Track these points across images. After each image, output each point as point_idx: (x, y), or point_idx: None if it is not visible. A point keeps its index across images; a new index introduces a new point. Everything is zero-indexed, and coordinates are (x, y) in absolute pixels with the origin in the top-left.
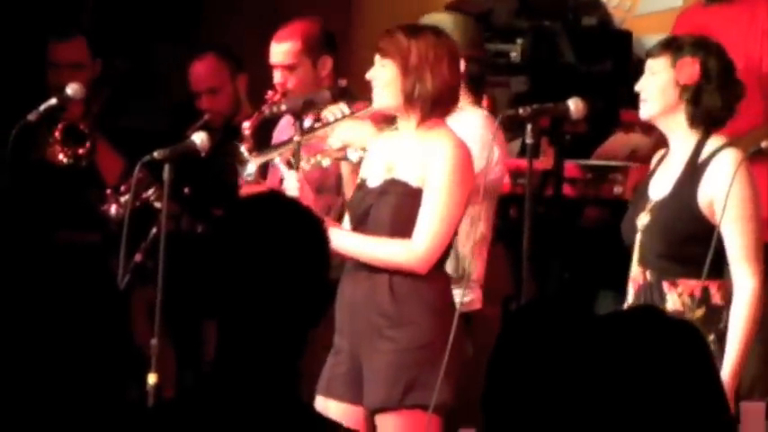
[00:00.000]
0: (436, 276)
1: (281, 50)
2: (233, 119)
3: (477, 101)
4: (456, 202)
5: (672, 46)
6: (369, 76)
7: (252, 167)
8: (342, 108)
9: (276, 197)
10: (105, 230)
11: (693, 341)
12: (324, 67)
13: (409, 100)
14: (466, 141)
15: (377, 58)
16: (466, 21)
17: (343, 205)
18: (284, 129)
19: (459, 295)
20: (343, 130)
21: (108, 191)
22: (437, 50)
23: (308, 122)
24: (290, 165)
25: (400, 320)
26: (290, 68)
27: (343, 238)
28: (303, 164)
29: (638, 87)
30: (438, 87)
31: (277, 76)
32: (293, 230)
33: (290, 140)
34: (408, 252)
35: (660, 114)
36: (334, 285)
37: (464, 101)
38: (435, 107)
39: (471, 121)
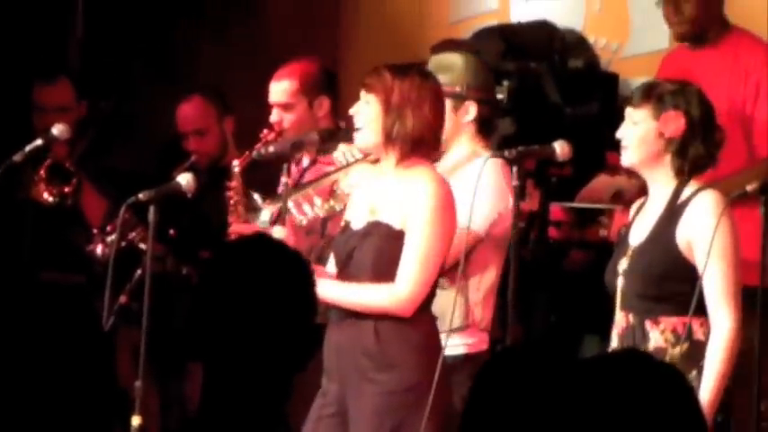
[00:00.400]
0: (421, 318)
1: (278, 89)
2: (220, 160)
3: (488, 145)
4: (438, 242)
5: (652, 96)
6: (352, 111)
7: (266, 215)
8: (353, 151)
9: (264, 240)
10: (90, 271)
11: (677, 384)
12: (320, 108)
13: (389, 138)
14: (479, 190)
15: (362, 93)
16: (477, 63)
17: (324, 247)
18: (319, 169)
19: (465, 345)
20: (356, 174)
21: (95, 231)
22: (421, 91)
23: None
24: (300, 209)
25: (385, 363)
26: (286, 107)
27: (327, 287)
28: (317, 209)
29: (619, 135)
30: (418, 128)
31: (273, 115)
32: (280, 273)
33: (302, 186)
34: (392, 296)
35: (642, 163)
36: (322, 329)
37: (476, 145)
38: (415, 148)
39: (484, 168)
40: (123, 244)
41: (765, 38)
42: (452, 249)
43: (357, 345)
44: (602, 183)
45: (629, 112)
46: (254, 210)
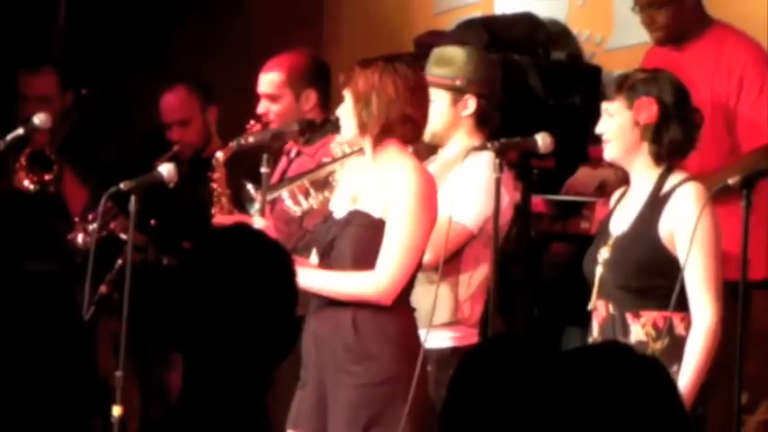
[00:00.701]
0: (400, 310)
1: (265, 80)
2: (203, 151)
3: (486, 139)
4: (418, 231)
5: (625, 86)
6: (337, 112)
7: (258, 205)
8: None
9: (244, 230)
10: (71, 260)
11: (658, 376)
12: (307, 101)
13: (361, 127)
14: (473, 186)
15: (345, 92)
16: (479, 56)
17: (299, 238)
18: (304, 163)
19: (452, 338)
20: (351, 166)
21: (76, 219)
22: (383, 76)
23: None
24: (295, 199)
25: (362, 355)
26: (272, 99)
27: (308, 276)
28: (311, 200)
29: (598, 130)
30: (384, 112)
31: (260, 106)
32: (260, 263)
33: (297, 176)
34: (371, 284)
35: (623, 155)
36: (302, 321)
37: (474, 139)
38: (386, 131)
39: (479, 164)
40: (104, 233)
41: (765, 38)
42: (445, 244)
43: (335, 336)
44: (585, 175)
45: (605, 106)
46: (249, 200)
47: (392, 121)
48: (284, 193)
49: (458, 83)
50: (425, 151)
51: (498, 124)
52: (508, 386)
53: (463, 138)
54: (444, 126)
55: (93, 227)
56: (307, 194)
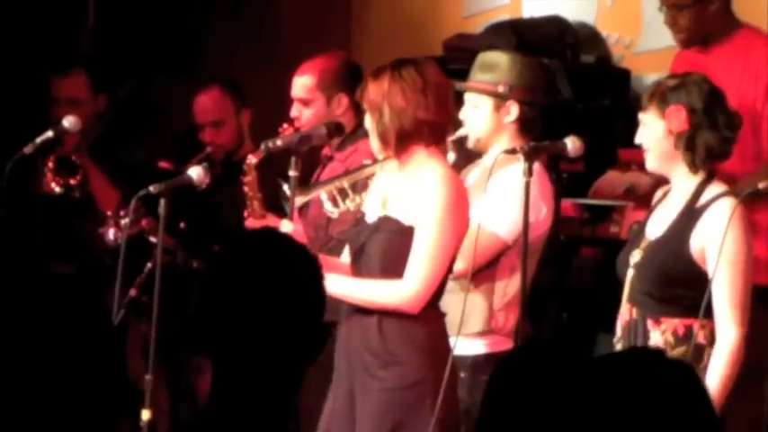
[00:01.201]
0: (428, 316)
1: (297, 84)
2: (235, 153)
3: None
4: (448, 240)
5: (656, 96)
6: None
7: (295, 205)
8: None
9: (272, 234)
10: (99, 263)
11: (690, 381)
12: (339, 105)
13: (381, 138)
14: (511, 196)
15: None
16: (523, 63)
17: (325, 243)
18: (335, 168)
19: (487, 345)
20: (390, 169)
21: (108, 213)
22: (391, 84)
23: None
24: (335, 201)
25: (388, 360)
26: (304, 102)
27: (334, 282)
28: (349, 202)
29: (637, 140)
30: (397, 120)
31: (293, 110)
32: (286, 267)
33: (337, 177)
34: (398, 293)
35: (661, 164)
36: (331, 327)
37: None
38: (404, 140)
39: (516, 172)
40: (134, 235)
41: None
42: (480, 253)
43: (362, 341)
44: (613, 178)
45: (641, 116)
46: (285, 200)
47: (407, 128)
48: (323, 195)
49: (500, 89)
50: (465, 159)
51: (540, 131)
52: (543, 390)
53: (506, 144)
54: (487, 132)
55: (124, 222)
56: (345, 196)
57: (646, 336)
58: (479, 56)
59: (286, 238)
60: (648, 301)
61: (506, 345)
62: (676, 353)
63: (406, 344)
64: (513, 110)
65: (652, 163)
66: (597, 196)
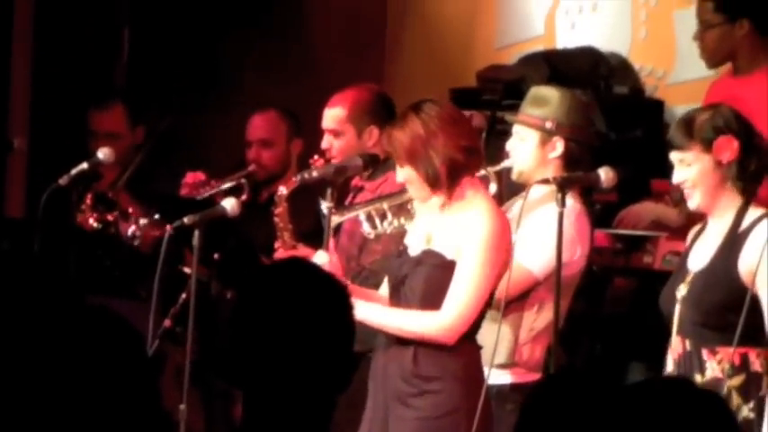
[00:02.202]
0: (464, 347)
1: (328, 115)
2: (278, 178)
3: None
4: (488, 273)
5: (694, 131)
6: (399, 181)
7: (330, 236)
8: None
9: (299, 264)
10: (135, 296)
11: (719, 412)
12: (370, 137)
13: (432, 183)
14: (547, 233)
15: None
16: (573, 100)
17: (357, 273)
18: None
19: (512, 375)
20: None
21: (130, 210)
22: (424, 125)
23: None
24: (372, 222)
25: (423, 389)
26: (335, 134)
27: (372, 311)
28: (386, 224)
29: (676, 180)
30: (445, 155)
31: (324, 141)
32: (314, 297)
33: (377, 199)
34: (435, 324)
35: (709, 200)
36: (362, 357)
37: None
38: (455, 173)
39: (552, 207)
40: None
41: None
42: (511, 287)
43: (397, 369)
44: (640, 210)
45: (677, 156)
46: (323, 216)
47: (456, 160)
48: (361, 215)
49: (548, 125)
50: (507, 191)
51: (588, 168)
52: (574, 419)
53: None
54: (531, 166)
55: (143, 222)
56: (383, 218)
57: (702, 366)
58: (532, 89)
59: (313, 268)
60: (701, 331)
61: (533, 376)
62: (734, 382)
63: (441, 374)
64: (558, 146)
65: (701, 200)
66: (621, 226)
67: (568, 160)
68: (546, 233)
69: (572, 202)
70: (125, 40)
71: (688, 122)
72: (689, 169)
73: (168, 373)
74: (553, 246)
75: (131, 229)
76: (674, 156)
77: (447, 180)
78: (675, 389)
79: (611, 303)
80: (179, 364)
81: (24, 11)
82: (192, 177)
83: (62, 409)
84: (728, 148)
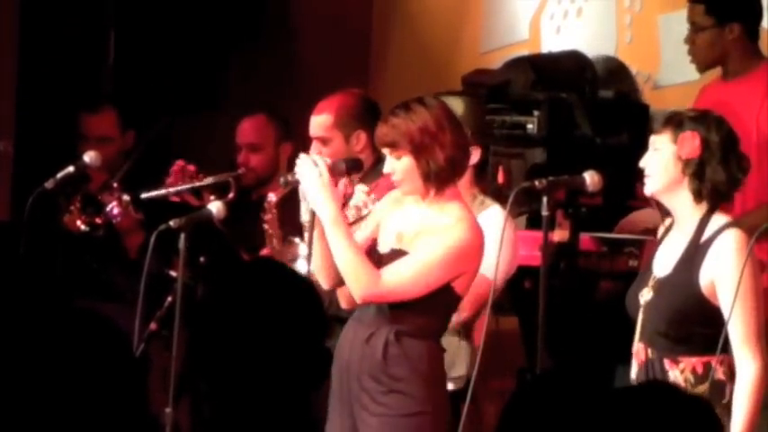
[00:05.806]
0: (432, 345)
1: (315, 123)
2: (267, 182)
3: (484, 189)
4: (436, 266)
5: (673, 121)
6: (386, 171)
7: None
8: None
9: (268, 263)
10: (121, 299)
11: (705, 416)
12: (358, 142)
13: (427, 179)
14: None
15: (386, 151)
16: (475, 106)
17: None
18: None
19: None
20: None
21: (114, 184)
22: (436, 121)
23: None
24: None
25: (391, 387)
26: (322, 141)
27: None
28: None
29: (642, 163)
30: (447, 158)
31: (312, 149)
32: (284, 295)
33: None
34: (370, 280)
35: (664, 189)
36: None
37: (476, 190)
38: (448, 178)
39: (498, 221)
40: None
41: None
42: (475, 296)
43: (365, 366)
44: (637, 217)
45: (652, 139)
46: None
47: (457, 157)
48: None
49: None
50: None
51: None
52: (557, 421)
53: (463, 189)
54: None
55: (125, 197)
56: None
57: (664, 375)
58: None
59: (283, 266)
60: (663, 342)
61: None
62: (698, 391)
63: (409, 373)
64: (473, 154)
65: (654, 186)
66: (625, 231)
67: (481, 166)
68: (489, 238)
69: (494, 203)
70: (111, 42)
71: (674, 113)
72: (655, 154)
73: (154, 377)
74: (505, 255)
75: (112, 205)
76: (651, 139)
77: (444, 176)
78: (662, 393)
79: (596, 307)
80: (165, 368)
81: (9, 13)
82: (179, 166)
83: (49, 412)
84: (690, 144)
